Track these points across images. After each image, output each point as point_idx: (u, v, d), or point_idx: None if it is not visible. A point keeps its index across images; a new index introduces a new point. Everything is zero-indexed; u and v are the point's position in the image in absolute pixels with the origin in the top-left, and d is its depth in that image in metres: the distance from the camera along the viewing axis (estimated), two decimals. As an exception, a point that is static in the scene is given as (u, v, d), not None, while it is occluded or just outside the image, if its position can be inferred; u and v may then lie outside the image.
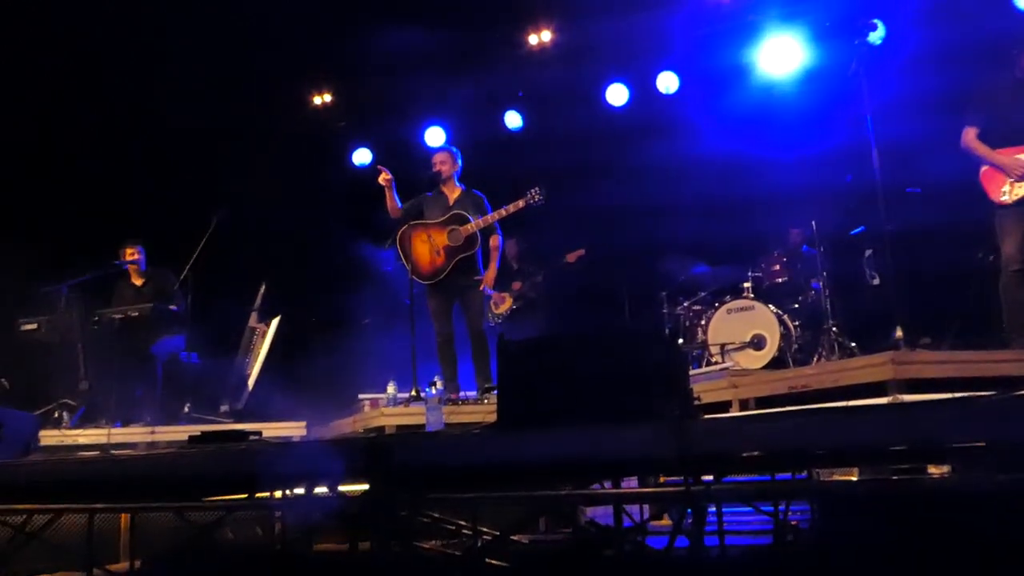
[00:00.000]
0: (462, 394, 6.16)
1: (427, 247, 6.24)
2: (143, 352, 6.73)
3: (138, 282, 7.20)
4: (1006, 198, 5.06)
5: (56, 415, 6.47)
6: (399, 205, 6.35)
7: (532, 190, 6.11)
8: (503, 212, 6.18)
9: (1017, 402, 2.15)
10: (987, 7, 7.10)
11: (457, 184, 6.43)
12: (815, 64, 7.86)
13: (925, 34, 7.33)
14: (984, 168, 5.18)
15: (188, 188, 8.37)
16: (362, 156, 9.78)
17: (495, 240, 6.36)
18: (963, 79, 5.68)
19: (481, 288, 6.29)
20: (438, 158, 6.47)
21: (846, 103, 5.61)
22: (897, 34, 7.20)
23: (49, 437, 5.95)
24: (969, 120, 5.24)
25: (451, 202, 6.34)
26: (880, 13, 7.18)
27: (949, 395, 3.28)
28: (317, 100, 9.67)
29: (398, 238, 6.32)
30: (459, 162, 6.46)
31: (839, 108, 6.31)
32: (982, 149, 5.16)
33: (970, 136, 5.21)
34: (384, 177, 6.30)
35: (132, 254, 7.16)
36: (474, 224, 6.15)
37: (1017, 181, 5.03)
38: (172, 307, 6.98)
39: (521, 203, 6.13)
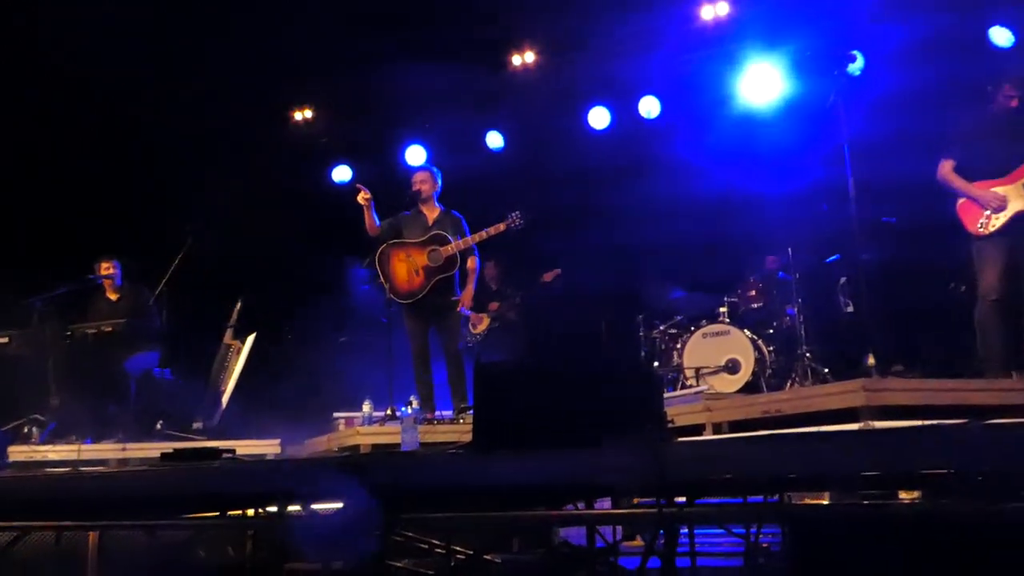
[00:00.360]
0: (438, 413, 6.14)
1: (406, 266, 6.24)
2: (116, 368, 6.67)
3: (113, 297, 7.14)
4: (983, 229, 5.14)
5: (26, 430, 6.38)
6: (377, 223, 6.34)
7: (514, 214, 6.12)
8: (484, 234, 6.19)
9: (986, 431, 2.18)
10: (964, 42, 7.24)
11: (436, 204, 6.44)
12: (795, 93, 7.95)
13: (903, 67, 7.46)
14: (961, 200, 5.26)
15: (165, 203, 8.33)
16: (342, 173, 9.76)
17: (472, 262, 6.36)
18: (940, 112, 5.77)
19: (459, 309, 6.29)
20: (418, 177, 6.47)
21: (824, 133, 5.69)
22: (876, 66, 7.32)
23: (18, 453, 5.88)
24: (946, 153, 5.33)
25: (430, 222, 6.34)
26: (859, 45, 7.31)
27: (920, 422, 3.31)
28: (298, 116, 9.67)
29: (377, 257, 6.31)
30: (439, 182, 6.47)
31: (817, 138, 6.39)
32: (958, 182, 5.24)
33: (946, 169, 5.30)
34: (363, 196, 6.29)
35: (107, 268, 7.10)
36: (454, 245, 6.16)
37: (994, 213, 5.11)
38: (146, 323, 6.91)
39: (502, 226, 6.14)
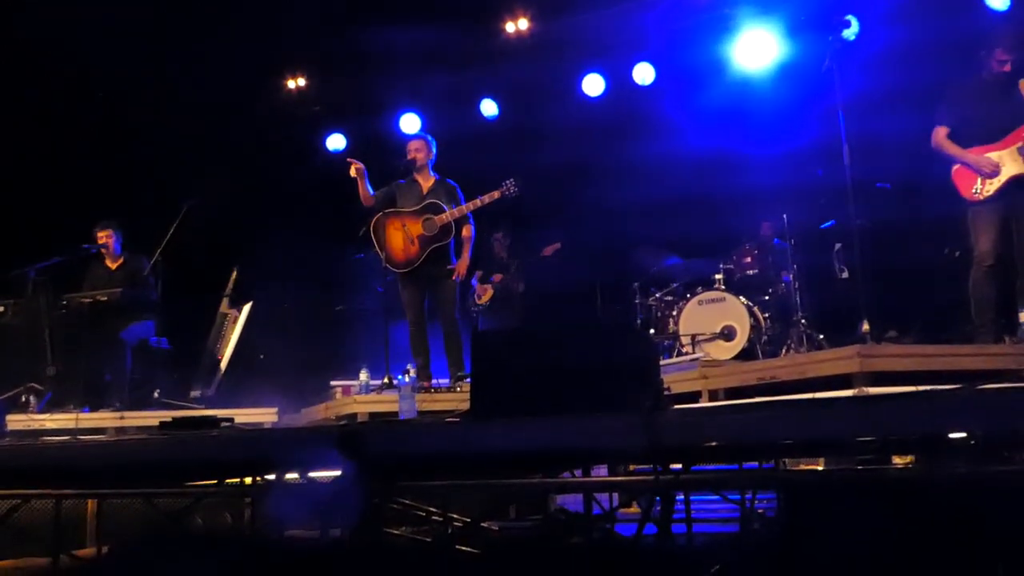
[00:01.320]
0: (434, 382, 6.17)
1: (401, 235, 6.22)
2: (112, 337, 6.67)
3: (112, 265, 7.11)
4: (978, 195, 5.14)
5: (23, 399, 6.39)
6: (371, 193, 6.31)
7: (507, 181, 6.10)
8: (478, 202, 6.17)
9: (979, 395, 2.20)
10: (959, 5, 7.20)
11: (431, 173, 6.41)
12: (789, 59, 7.92)
13: (898, 31, 7.41)
14: (955, 167, 5.26)
15: (160, 172, 8.29)
16: (336, 142, 9.73)
17: (468, 230, 6.34)
18: (935, 76, 5.75)
19: (453, 278, 6.28)
20: (413, 145, 6.43)
21: (819, 98, 5.67)
22: (870, 30, 7.27)
23: (16, 422, 5.89)
24: (939, 120, 5.31)
25: (425, 191, 6.32)
26: (854, 9, 7.25)
27: (913, 388, 3.34)
28: (291, 85, 9.59)
29: (372, 226, 6.29)
30: (433, 150, 6.44)
31: (812, 103, 6.36)
32: (952, 148, 5.23)
33: (940, 135, 5.29)
34: (355, 168, 6.25)
35: (103, 237, 7.07)
36: (449, 214, 6.14)
37: (988, 178, 5.11)
38: (142, 292, 6.90)
39: (496, 194, 6.12)
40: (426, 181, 6.36)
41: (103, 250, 7.08)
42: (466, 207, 6.18)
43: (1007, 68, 5.16)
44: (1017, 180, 5.06)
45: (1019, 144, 5.06)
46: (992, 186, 5.10)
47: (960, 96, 5.31)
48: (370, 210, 6.31)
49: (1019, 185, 5.07)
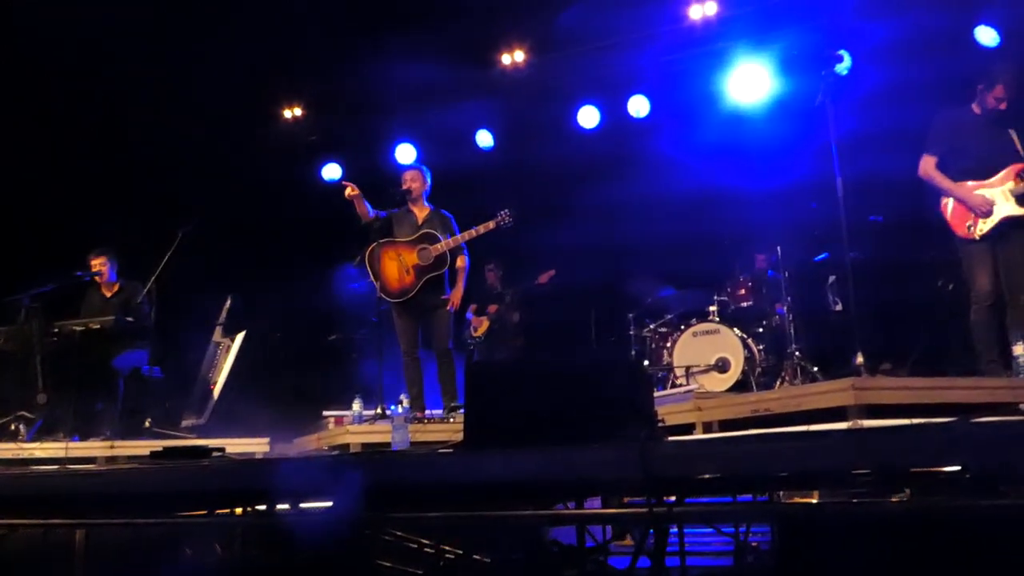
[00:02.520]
0: (428, 412, 6.14)
1: (396, 265, 6.23)
2: (104, 365, 6.63)
3: (107, 293, 7.09)
4: (972, 233, 5.16)
5: (12, 428, 6.34)
6: (370, 210, 6.32)
7: (503, 212, 6.12)
8: (473, 233, 6.18)
9: (974, 428, 2.20)
10: (951, 42, 7.28)
11: (426, 203, 6.43)
12: (783, 93, 7.99)
13: (890, 66, 7.49)
14: (946, 202, 5.28)
15: (154, 199, 8.30)
16: (332, 171, 9.76)
17: (462, 260, 6.35)
18: (927, 111, 5.80)
19: (448, 308, 6.27)
20: (408, 176, 6.46)
21: (812, 132, 5.70)
22: (863, 65, 7.36)
23: (5, 450, 5.84)
24: (928, 149, 5.35)
25: (420, 221, 6.33)
26: (847, 44, 7.34)
27: (908, 421, 3.33)
28: (287, 114, 9.64)
29: (367, 255, 6.30)
30: (428, 180, 6.46)
31: (805, 137, 6.41)
32: (943, 181, 5.26)
33: (930, 165, 5.32)
34: (350, 191, 6.27)
35: (97, 264, 7.05)
36: (444, 244, 6.15)
37: (983, 217, 5.12)
38: (135, 320, 6.86)
39: (492, 224, 6.13)
40: (421, 211, 6.38)
41: (97, 277, 7.06)
42: (460, 237, 6.19)
43: (1003, 107, 5.20)
44: (1010, 220, 5.09)
45: (1010, 184, 5.10)
46: (986, 225, 5.12)
47: (951, 128, 5.33)
48: (368, 230, 6.30)
49: (1011, 225, 5.10)
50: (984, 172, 5.17)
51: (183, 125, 8.28)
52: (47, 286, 6.74)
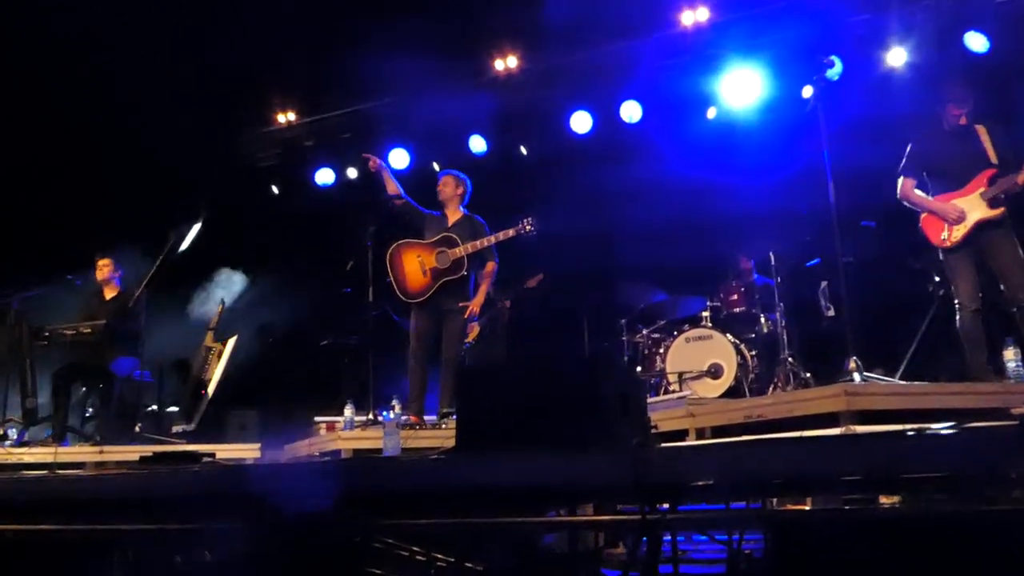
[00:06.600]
0: (427, 418, 6.09)
1: (417, 265, 6.24)
2: (95, 369, 6.60)
3: (107, 296, 7.04)
4: (947, 242, 5.28)
5: (1, 432, 6.31)
6: (400, 189, 6.41)
7: (524, 220, 6.11)
8: (492, 239, 6.19)
9: (966, 434, 2.19)
10: (942, 45, 7.32)
11: (460, 208, 6.46)
12: (774, 97, 8.01)
13: (881, 72, 7.52)
14: (923, 215, 5.44)
15: (147, 204, 8.26)
16: (325, 176, 9.76)
17: (490, 266, 6.33)
18: (918, 116, 5.84)
19: (467, 315, 6.23)
20: (441, 181, 6.54)
21: (803, 137, 5.72)
22: (854, 70, 7.38)
23: (-7, 455, 5.81)
24: (905, 172, 5.51)
25: (449, 224, 6.35)
26: (837, 49, 7.35)
27: (900, 426, 3.33)
28: (281, 119, 9.63)
29: (388, 256, 6.29)
30: (461, 187, 6.48)
31: (797, 142, 6.42)
32: (918, 198, 5.44)
33: (907, 187, 5.50)
34: (372, 163, 6.41)
35: (102, 266, 7.01)
36: (462, 249, 6.13)
37: (954, 224, 5.24)
38: (126, 326, 6.81)
39: (512, 232, 6.14)
40: (453, 215, 6.43)
41: (99, 279, 7.00)
42: (479, 243, 6.17)
43: (963, 121, 5.37)
44: (982, 224, 5.20)
45: (981, 189, 5.24)
46: (959, 232, 5.26)
47: (924, 148, 5.49)
48: (391, 200, 6.38)
49: (984, 228, 5.21)
50: (958, 184, 5.33)
51: (177, 128, 8.25)
52: (36, 290, 6.70)
